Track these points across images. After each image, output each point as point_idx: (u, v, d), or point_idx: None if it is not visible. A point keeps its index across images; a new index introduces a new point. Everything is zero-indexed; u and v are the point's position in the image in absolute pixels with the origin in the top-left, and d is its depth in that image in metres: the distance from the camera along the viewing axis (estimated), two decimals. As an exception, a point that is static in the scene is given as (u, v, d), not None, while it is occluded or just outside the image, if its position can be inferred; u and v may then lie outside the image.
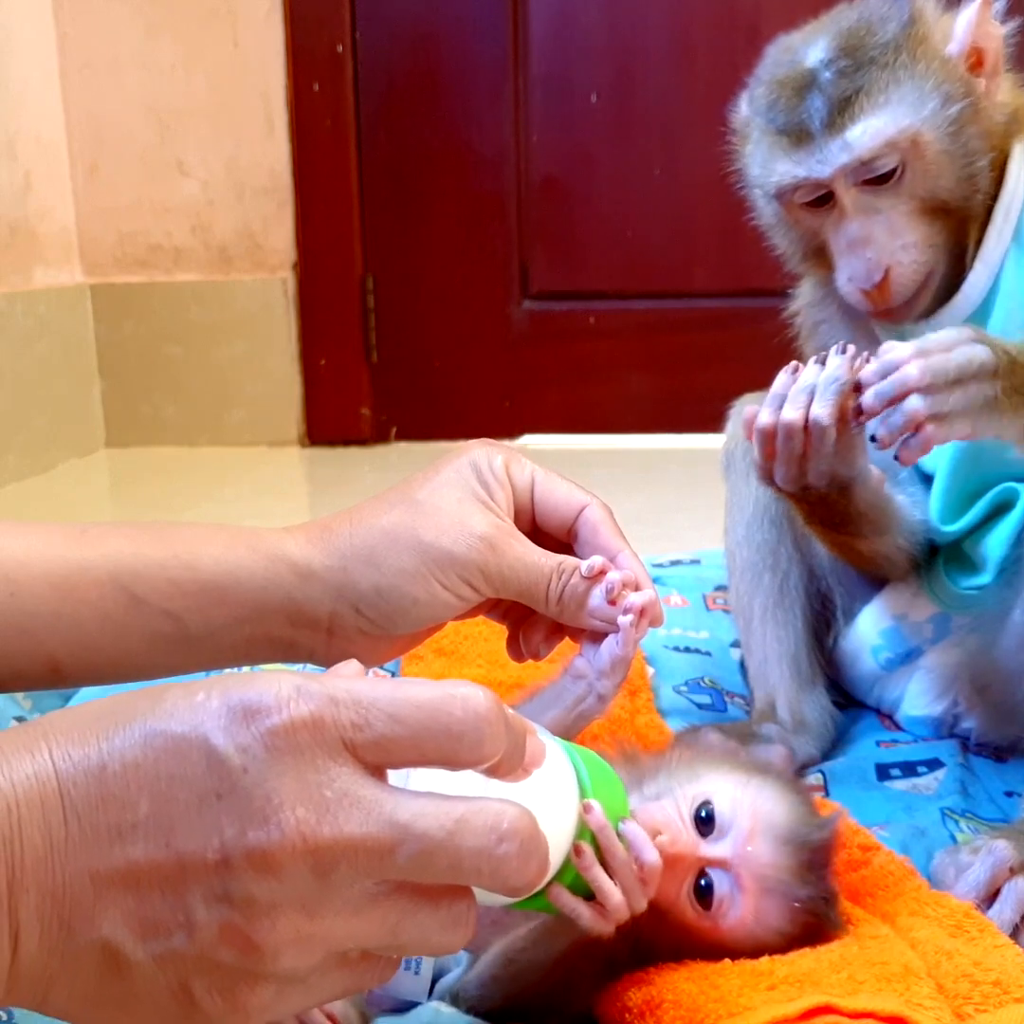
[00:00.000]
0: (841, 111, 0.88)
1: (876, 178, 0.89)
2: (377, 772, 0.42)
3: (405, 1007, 0.65)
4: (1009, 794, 0.90)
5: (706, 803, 0.63)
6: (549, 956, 0.61)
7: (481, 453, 0.66)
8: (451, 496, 0.64)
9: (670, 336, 2.21)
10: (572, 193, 2.20)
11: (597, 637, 0.65)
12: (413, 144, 2.20)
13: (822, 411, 0.79)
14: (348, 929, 0.42)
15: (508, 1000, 0.63)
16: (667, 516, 1.71)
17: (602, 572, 0.64)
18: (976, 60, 0.90)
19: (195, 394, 2.24)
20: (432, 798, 0.42)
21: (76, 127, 2.19)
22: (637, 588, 0.64)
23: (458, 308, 2.25)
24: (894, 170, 0.89)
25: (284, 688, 0.41)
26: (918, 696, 0.99)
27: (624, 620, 0.64)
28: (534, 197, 2.21)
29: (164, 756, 0.40)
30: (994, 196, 0.91)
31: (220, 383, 2.24)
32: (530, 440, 2.23)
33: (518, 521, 0.66)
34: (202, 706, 0.41)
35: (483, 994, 0.63)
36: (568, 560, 0.64)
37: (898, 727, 1.01)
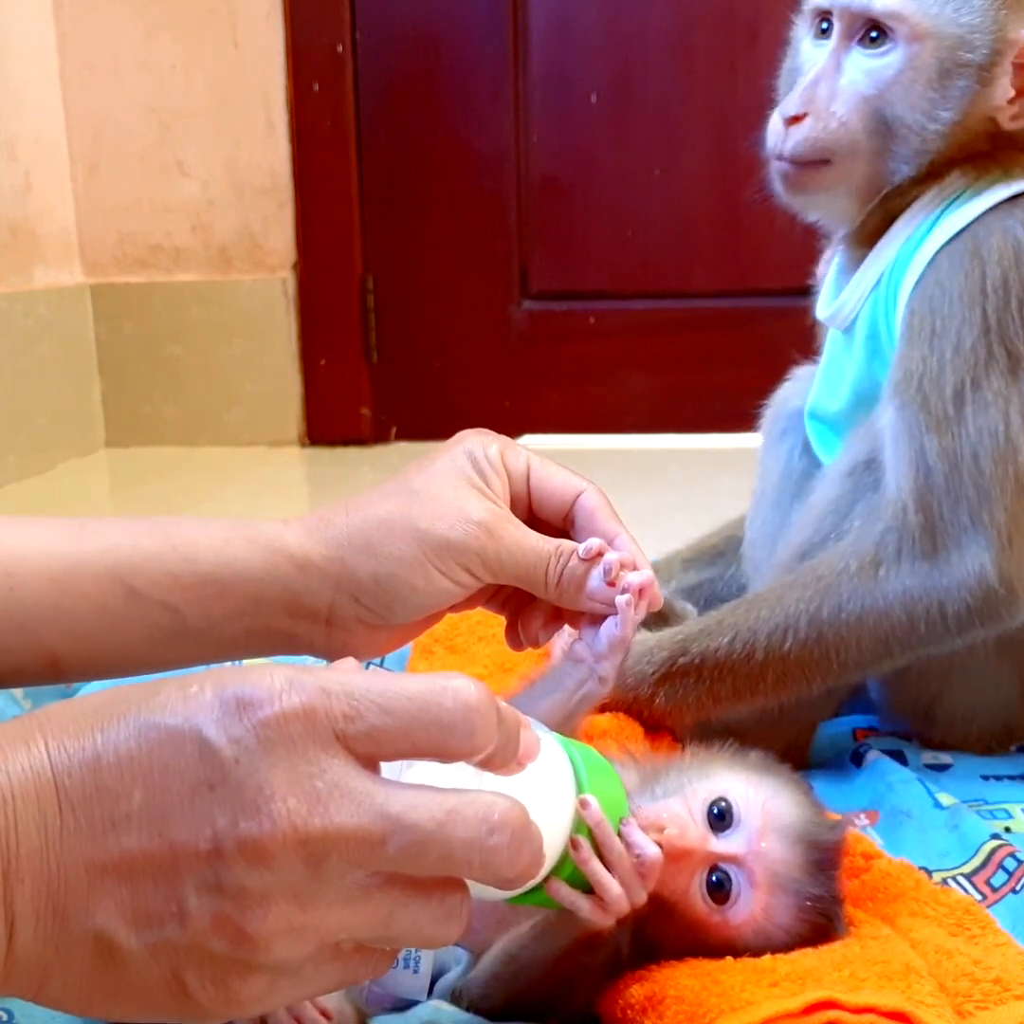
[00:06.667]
0: None
1: (869, 39, 0.86)
2: (369, 764, 0.42)
3: (404, 1006, 0.65)
4: (986, 777, 0.91)
5: (720, 800, 0.63)
6: (550, 952, 0.61)
7: (476, 442, 0.66)
8: (447, 484, 0.64)
9: (670, 336, 2.21)
10: (572, 193, 2.20)
11: (596, 620, 0.65)
12: (413, 144, 2.20)
13: None
14: (340, 920, 0.42)
15: (510, 997, 0.63)
16: (667, 516, 1.71)
17: (600, 554, 0.64)
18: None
19: (195, 394, 2.24)
20: (423, 790, 0.42)
21: (76, 127, 2.19)
22: (635, 569, 0.64)
23: (458, 308, 2.25)
24: (883, 38, 0.85)
25: (277, 680, 0.41)
26: None
27: (621, 599, 0.63)
28: (534, 197, 2.20)
29: (158, 748, 0.41)
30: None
31: (220, 383, 2.23)
32: (530, 440, 2.23)
33: (514, 508, 0.66)
34: (196, 698, 0.41)
35: (485, 992, 0.63)
36: (566, 543, 0.64)
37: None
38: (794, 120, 0.87)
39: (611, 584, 0.64)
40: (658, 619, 0.93)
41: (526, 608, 0.68)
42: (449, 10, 2.16)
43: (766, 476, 1.02)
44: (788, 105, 0.88)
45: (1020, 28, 0.84)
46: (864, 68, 0.86)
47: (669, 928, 0.62)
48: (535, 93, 2.17)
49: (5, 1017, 0.62)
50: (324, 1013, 0.59)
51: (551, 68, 2.16)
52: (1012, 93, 0.86)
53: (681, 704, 0.83)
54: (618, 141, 2.17)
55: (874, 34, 0.86)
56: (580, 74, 2.16)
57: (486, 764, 0.44)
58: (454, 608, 0.67)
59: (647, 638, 0.86)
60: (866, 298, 0.89)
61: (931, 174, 0.87)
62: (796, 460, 0.99)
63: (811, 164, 0.88)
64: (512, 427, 2.22)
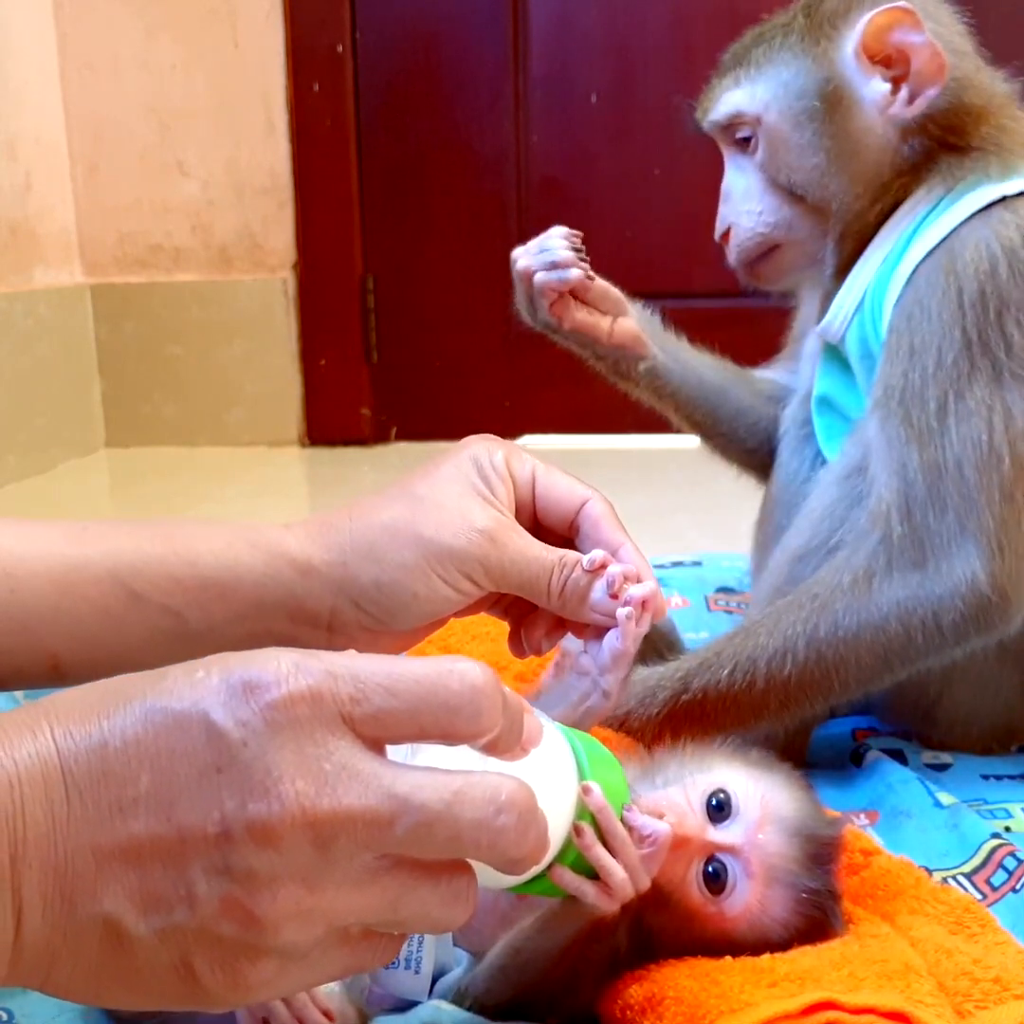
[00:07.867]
0: (724, 73, 0.93)
1: (741, 140, 0.93)
2: (375, 746, 0.42)
3: (405, 1006, 0.65)
4: (986, 777, 0.91)
5: (719, 791, 0.63)
6: (555, 944, 0.61)
7: (481, 448, 0.66)
8: (451, 491, 0.64)
9: (670, 336, 2.21)
10: (572, 193, 2.20)
11: (600, 632, 0.65)
12: (413, 144, 2.20)
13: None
14: (349, 903, 0.42)
15: (515, 992, 0.62)
16: (667, 516, 1.71)
17: (603, 566, 0.63)
18: (900, 71, 0.86)
19: (195, 394, 2.24)
20: (430, 771, 0.42)
21: (76, 127, 2.19)
22: (639, 581, 0.64)
23: (458, 308, 2.25)
24: (749, 139, 0.92)
25: (283, 664, 0.42)
26: None
27: (622, 613, 0.63)
28: (534, 197, 2.21)
29: (164, 732, 0.41)
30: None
31: (220, 383, 2.24)
32: (530, 440, 2.23)
33: (519, 516, 0.65)
34: (202, 683, 0.41)
35: (490, 987, 0.63)
36: (570, 554, 0.64)
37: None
38: (724, 238, 0.96)
39: (614, 596, 0.63)
40: (652, 651, 0.93)
41: (529, 615, 0.68)
42: (449, 10, 2.16)
43: (780, 478, 1.02)
44: (716, 228, 0.96)
45: (840, 45, 0.87)
46: (749, 165, 0.93)
47: (666, 920, 0.63)
48: (535, 93, 2.17)
49: (5, 1017, 0.62)
50: (326, 1013, 0.59)
51: (551, 68, 2.16)
52: (887, 86, 0.86)
53: (687, 738, 0.83)
54: (618, 141, 2.17)
55: (740, 135, 0.93)
56: (580, 74, 2.16)
57: (491, 748, 0.44)
58: (456, 615, 0.66)
59: (647, 676, 0.85)
60: (851, 318, 0.90)
61: (889, 192, 0.89)
62: (809, 467, 0.99)
63: (760, 258, 0.95)
64: (512, 427, 2.22)
